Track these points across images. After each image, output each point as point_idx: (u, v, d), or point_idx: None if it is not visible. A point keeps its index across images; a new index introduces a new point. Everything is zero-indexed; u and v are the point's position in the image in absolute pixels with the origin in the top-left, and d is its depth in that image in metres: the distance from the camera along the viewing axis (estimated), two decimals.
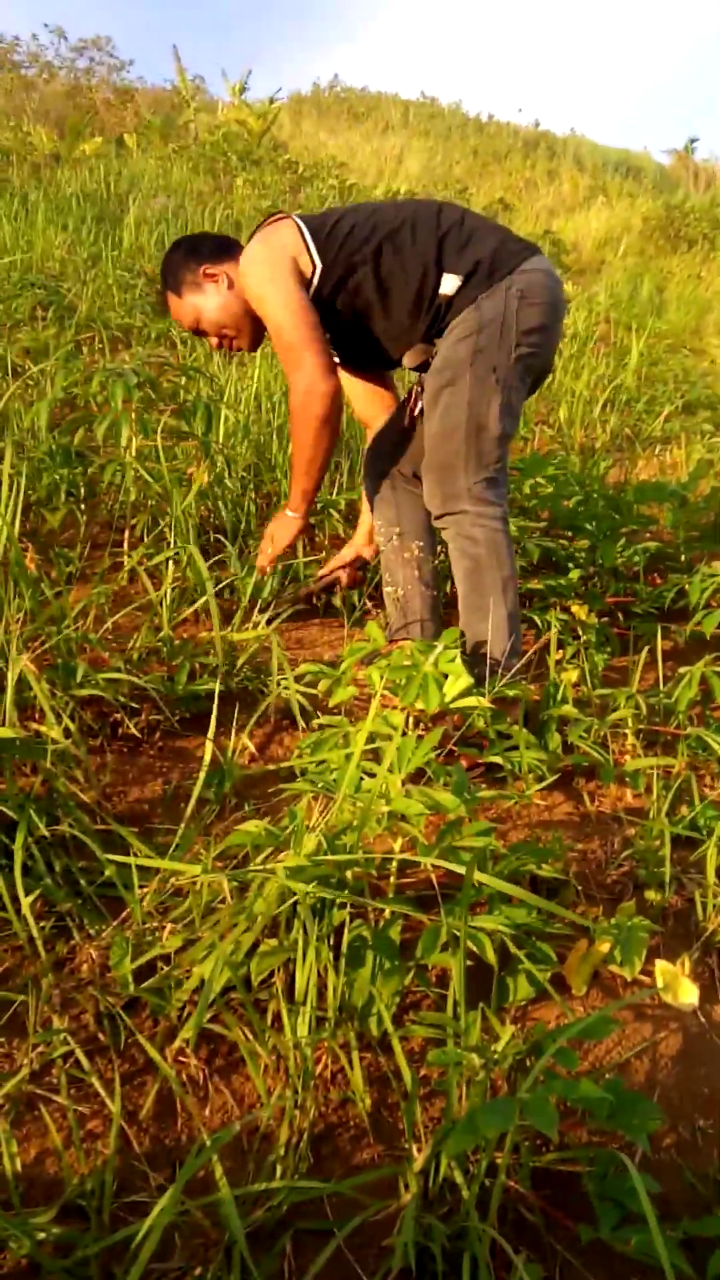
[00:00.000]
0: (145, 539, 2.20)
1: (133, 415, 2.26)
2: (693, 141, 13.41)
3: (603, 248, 8.96)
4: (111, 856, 1.23)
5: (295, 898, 1.08)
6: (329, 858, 1.08)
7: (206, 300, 1.95)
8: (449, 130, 12.79)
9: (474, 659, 1.75)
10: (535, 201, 10.29)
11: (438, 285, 1.81)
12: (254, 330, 1.97)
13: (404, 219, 1.84)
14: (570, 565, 2.21)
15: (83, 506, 2.39)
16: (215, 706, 1.52)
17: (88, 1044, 1.09)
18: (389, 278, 1.83)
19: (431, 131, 12.49)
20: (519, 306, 1.79)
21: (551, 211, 10.02)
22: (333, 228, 1.85)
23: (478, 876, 1.05)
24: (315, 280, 1.85)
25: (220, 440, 2.73)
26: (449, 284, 1.81)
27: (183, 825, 1.32)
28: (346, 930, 1.10)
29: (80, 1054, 1.05)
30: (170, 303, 2.00)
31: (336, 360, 2.02)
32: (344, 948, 1.10)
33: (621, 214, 9.80)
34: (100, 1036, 1.11)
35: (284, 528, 2.03)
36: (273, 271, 1.82)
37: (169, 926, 1.17)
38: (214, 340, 2.00)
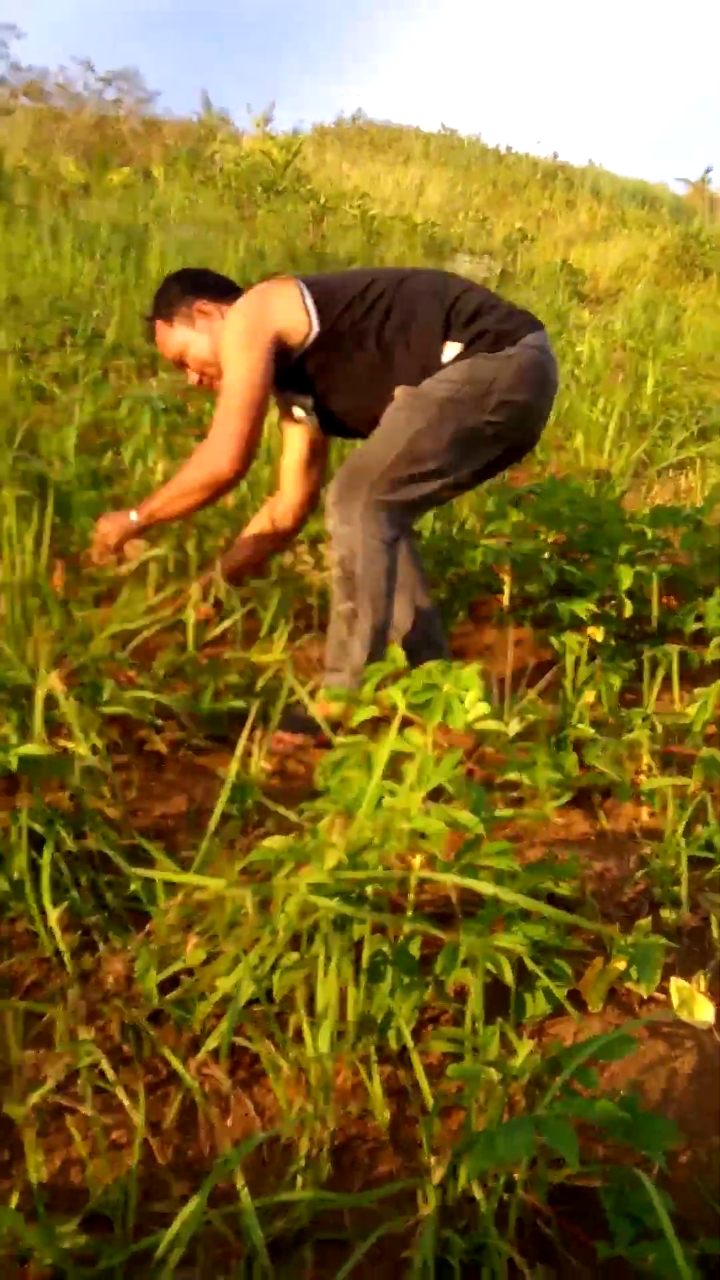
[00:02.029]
0: (169, 563, 2.24)
1: (160, 440, 2.31)
2: (708, 171, 13.55)
3: (620, 277, 9.04)
4: (137, 870, 1.25)
5: (317, 914, 1.10)
6: (351, 874, 1.10)
7: (195, 336, 1.96)
8: (469, 161, 12.98)
9: (335, 663, 1.84)
10: (553, 231, 10.40)
11: (440, 355, 1.82)
12: None
13: (411, 288, 1.87)
14: (586, 588, 2.24)
15: None
16: (249, 723, 1.54)
17: (113, 1055, 1.11)
18: (392, 345, 1.84)
19: (451, 162, 12.68)
20: (510, 378, 1.79)
21: (569, 241, 10.13)
22: (337, 291, 1.88)
23: (499, 893, 1.07)
24: (310, 341, 1.87)
25: None
26: (450, 352, 1.82)
27: (205, 841, 1.34)
28: (366, 945, 1.12)
29: (105, 1065, 1.07)
30: (158, 330, 2.00)
31: (302, 420, 2.05)
32: (364, 963, 1.11)
33: (639, 243, 9.89)
34: (125, 1048, 1.13)
35: (116, 523, 2.02)
36: (250, 339, 1.83)
37: (193, 940, 1.19)
38: (194, 375, 2.01)
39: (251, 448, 1.86)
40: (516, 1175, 0.93)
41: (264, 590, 2.21)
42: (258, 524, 2.22)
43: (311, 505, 2.21)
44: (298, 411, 2.03)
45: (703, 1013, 1.20)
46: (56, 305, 4.41)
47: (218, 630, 1.99)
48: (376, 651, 1.77)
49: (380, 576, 1.79)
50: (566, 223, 10.83)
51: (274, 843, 1.21)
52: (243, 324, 1.85)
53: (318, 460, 2.17)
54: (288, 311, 1.86)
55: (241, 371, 1.83)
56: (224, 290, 1.98)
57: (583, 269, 8.73)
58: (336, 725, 1.67)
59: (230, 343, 1.85)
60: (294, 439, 2.14)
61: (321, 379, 1.91)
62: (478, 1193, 0.93)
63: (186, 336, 1.96)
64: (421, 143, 13.51)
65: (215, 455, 1.85)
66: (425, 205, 10.24)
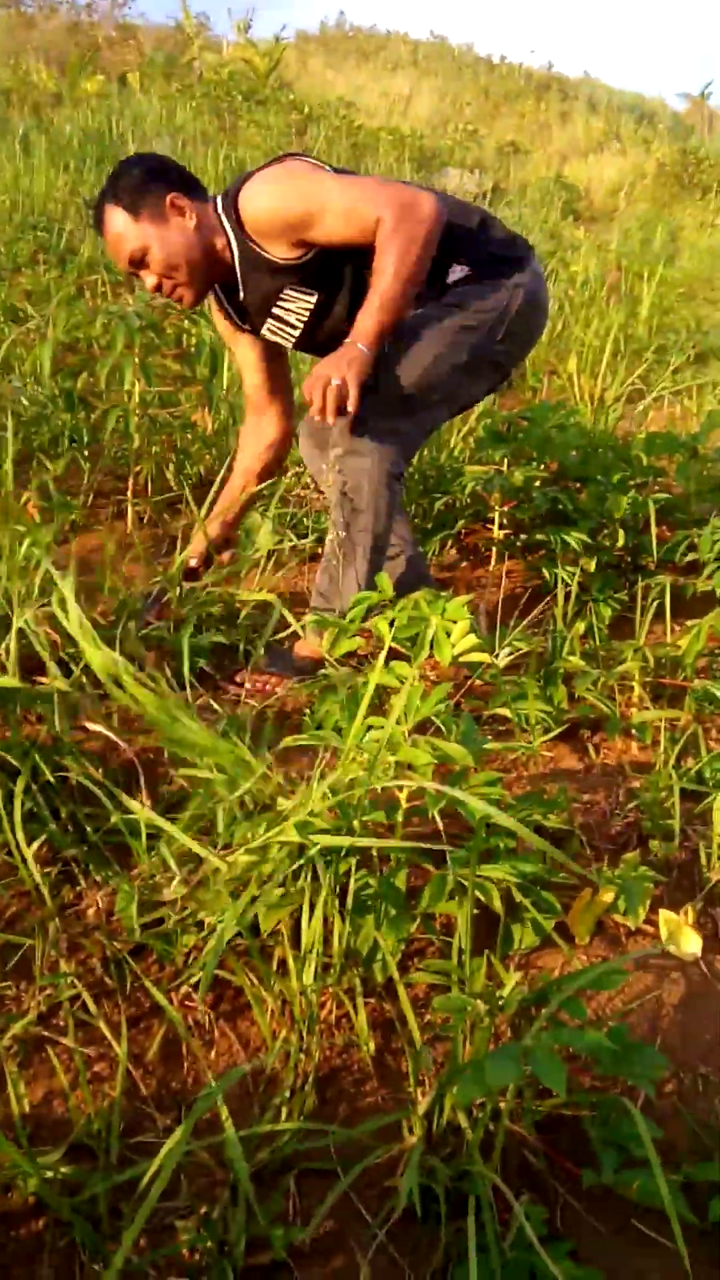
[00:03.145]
0: (149, 487, 2.17)
1: (136, 360, 2.21)
2: (708, 86, 13.04)
3: (615, 194, 8.74)
4: (126, 803, 1.22)
5: (305, 851, 1.08)
6: (337, 798, 1.08)
7: (167, 233, 1.70)
8: (459, 71, 12.41)
9: (325, 600, 1.78)
10: (547, 145, 10.02)
11: (446, 274, 1.74)
12: (204, 282, 1.77)
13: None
14: (578, 517, 2.18)
15: (85, 453, 2.36)
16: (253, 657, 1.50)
17: (94, 988, 1.10)
18: None
19: (441, 72, 12.13)
20: (518, 306, 1.76)
21: (564, 155, 9.76)
22: None
23: (493, 814, 1.04)
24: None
25: (225, 387, 2.69)
26: (457, 273, 1.74)
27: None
28: (353, 878, 1.10)
29: (87, 997, 1.06)
30: (116, 220, 1.70)
31: (287, 342, 1.88)
32: (350, 896, 1.10)
33: (635, 160, 9.55)
34: (107, 981, 1.12)
35: (352, 360, 1.60)
36: (310, 174, 1.66)
37: (177, 876, 1.17)
38: (152, 279, 1.74)
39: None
40: (502, 1105, 0.93)
41: (249, 518, 2.14)
42: (245, 461, 2.08)
43: (293, 424, 2.10)
44: (271, 326, 1.86)
45: (690, 944, 1.20)
46: (28, 220, 4.21)
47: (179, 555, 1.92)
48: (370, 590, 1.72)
49: (384, 513, 1.73)
50: (561, 136, 10.42)
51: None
52: (291, 171, 1.67)
53: (284, 374, 2.04)
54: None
55: (335, 186, 1.62)
56: (194, 185, 1.76)
57: (577, 185, 8.44)
58: (320, 664, 1.64)
59: (297, 191, 1.64)
60: (250, 358, 1.99)
61: (330, 277, 1.75)
62: (463, 1122, 0.93)
63: (156, 232, 1.69)
64: (409, 50, 12.89)
65: (400, 204, 1.58)
66: (413, 116, 9.82)
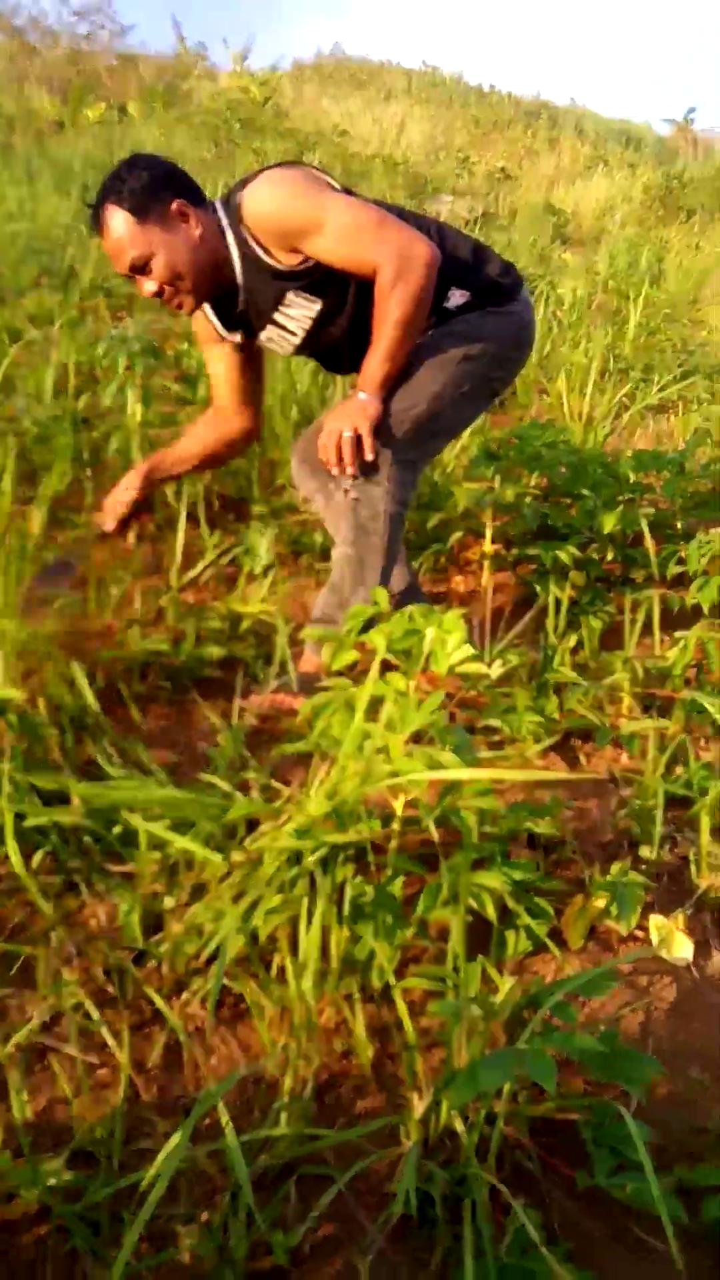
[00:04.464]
0: (151, 504, 2.19)
1: (138, 381, 2.25)
2: (692, 112, 13.26)
3: (602, 217, 8.86)
4: (127, 817, 1.24)
5: (303, 858, 1.10)
6: (333, 803, 1.10)
7: (173, 241, 1.64)
8: (450, 99, 12.59)
9: (327, 623, 1.77)
10: (536, 171, 10.16)
11: (445, 300, 1.75)
12: (206, 290, 1.73)
13: (419, 224, 1.76)
14: (568, 532, 2.22)
15: (88, 472, 2.39)
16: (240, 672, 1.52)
17: (96, 996, 1.11)
18: None
19: (433, 100, 12.30)
20: (514, 335, 1.81)
21: (552, 181, 9.89)
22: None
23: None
24: None
25: None
26: (455, 299, 1.76)
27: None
28: (349, 886, 1.12)
29: (89, 1005, 1.07)
30: (120, 223, 1.63)
31: (283, 349, 1.86)
32: (347, 904, 1.11)
33: (621, 184, 9.69)
34: (109, 989, 1.13)
35: (362, 412, 1.66)
36: (314, 184, 1.64)
37: (179, 888, 1.18)
38: (152, 285, 1.68)
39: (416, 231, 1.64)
40: (498, 1109, 0.95)
41: (248, 533, 2.17)
42: (195, 442, 2.00)
43: (259, 429, 2.05)
44: (271, 333, 1.82)
45: (681, 949, 1.22)
46: (31, 245, 4.27)
47: (196, 572, 1.95)
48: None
49: (395, 538, 1.76)
50: (549, 162, 10.57)
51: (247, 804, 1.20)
52: (297, 181, 1.64)
53: (259, 384, 1.99)
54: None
55: (340, 203, 1.61)
56: (197, 192, 1.71)
57: (565, 209, 8.55)
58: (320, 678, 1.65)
59: (301, 197, 1.61)
60: (225, 369, 1.93)
61: (335, 284, 1.71)
62: (459, 1126, 0.94)
63: (162, 239, 1.64)
64: (402, 80, 13.09)
65: (399, 254, 1.59)
66: (406, 143, 9.95)
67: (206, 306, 1.83)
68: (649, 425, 3.70)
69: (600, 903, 1.24)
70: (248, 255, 1.70)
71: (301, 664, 1.81)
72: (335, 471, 1.68)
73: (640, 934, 1.27)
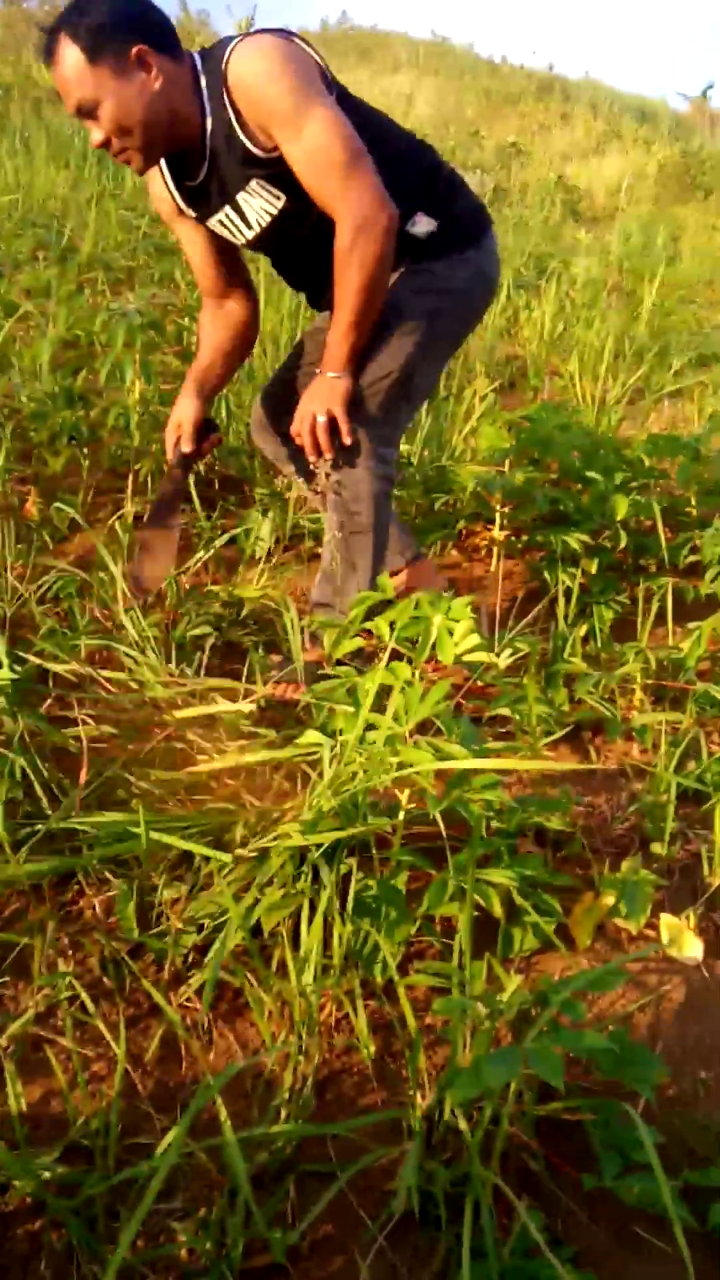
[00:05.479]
0: (149, 485, 2.16)
1: (136, 357, 2.20)
2: (709, 88, 13.04)
3: (616, 194, 8.74)
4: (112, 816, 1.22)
5: (308, 854, 1.08)
6: (339, 799, 1.07)
7: (124, 89, 1.48)
8: (460, 71, 12.40)
9: (325, 610, 1.74)
10: (549, 146, 10.01)
11: (410, 222, 1.64)
12: (159, 150, 1.58)
13: (397, 136, 1.67)
14: (579, 518, 2.18)
15: (85, 450, 2.35)
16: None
17: (92, 988, 1.10)
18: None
19: (442, 72, 12.11)
20: (481, 286, 1.74)
21: (565, 156, 9.76)
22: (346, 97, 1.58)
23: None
24: None
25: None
26: (423, 225, 1.65)
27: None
28: (353, 880, 1.09)
29: (85, 997, 1.05)
30: (70, 60, 1.47)
31: (235, 238, 1.72)
32: (350, 898, 1.09)
33: (636, 160, 9.55)
34: (105, 981, 1.12)
35: (333, 392, 1.59)
36: (309, 77, 1.49)
37: (179, 881, 1.16)
38: (99, 135, 1.53)
39: (382, 182, 1.51)
40: (502, 1109, 0.93)
41: (246, 516, 2.14)
42: (214, 341, 1.88)
43: (257, 305, 1.93)
44: (226, 217, 1.68)
45: (691, 949, 1.19)
46: (28, 217, 4.20)
47: (197, 557, 1.92)
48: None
49: (384, 515, 1.71)
50: (562, 137, 10.42)
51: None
52: (289, 61, 1.49)
53: (239, 255, 1.85)
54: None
55: (322, 113, 1.48)
56: (171, 41, 1.54)
57: (578, 186, 8.43)
58: (321, 666, 1.63)
59: (290, 86, 1.47)
60: (199, 242, 1.80)
61: (303, 192, 1.57)
62: (462, 1125, 0.92)
63: (113, 86, 1.48)
64: (410, 50, 12.88)
65: (359, 219, 1.49)
66: (415, 116, 9.80)
67: (167, 174, 1.68)
68: (664, 409, 3.65)
69: (609, 900, 1.21)
70: (222, 119, 1.54)
71: (305, 653, 1.78)
72: (312, 459, 1.63)
73: (650, 933, 1.25)
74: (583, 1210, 0.95)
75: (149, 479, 2.26)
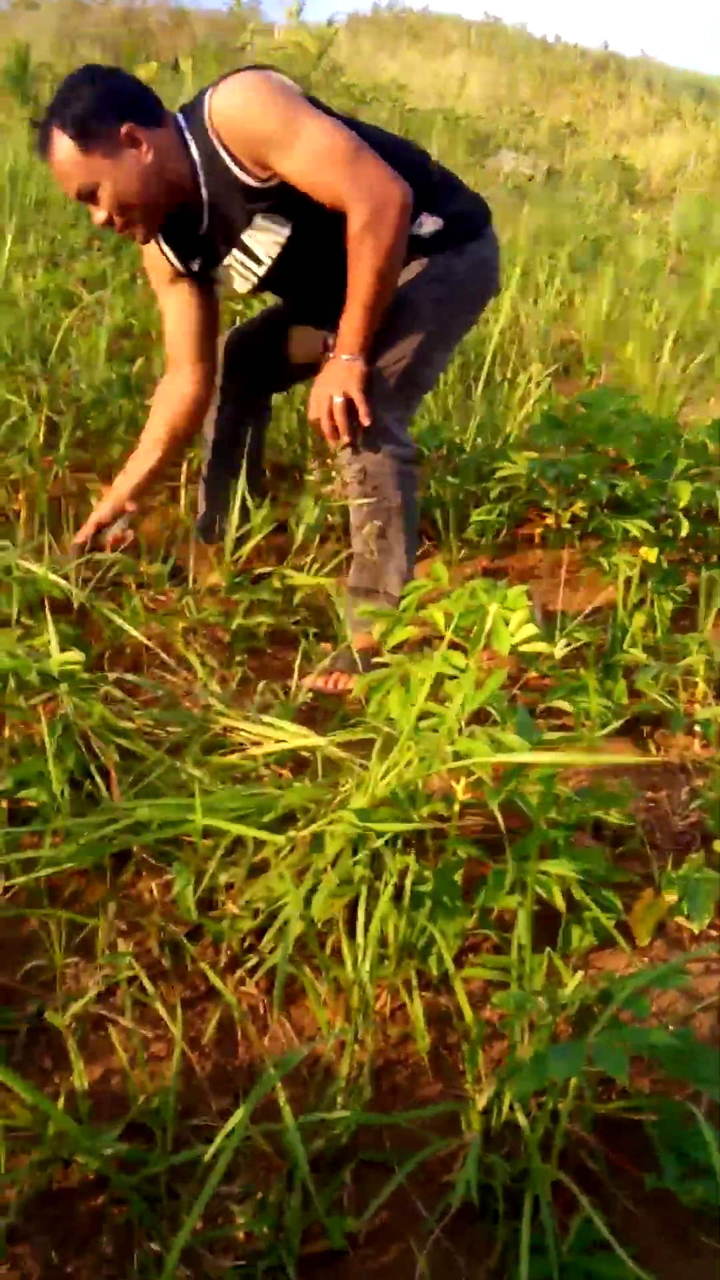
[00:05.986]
0: (203, 471, 2.16)
1: None
2: None
3: (674, 174, 8.54)
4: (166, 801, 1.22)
5: (364, 842, 1.07)
6: (394, 787, 1.07)
7: (119, 169, 1.53)
8: (513, 51, 12.21)
9: (367, 598, 1.74)
10: (604, 126, 9.82)
11: (417, 224, 1.66)
12: (159, 217, 1.63)
13: (395, 144, 1.69)
14: (639, 505, 2.14)
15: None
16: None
17: (151, 970, 1.10)
18: None
19: (494, 52, 11.94)
20: (485, 274, 1.78)
21: (621, 136, 9.56)
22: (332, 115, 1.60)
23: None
24: None
25: None
26: (429, 225, 1.68)
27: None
28: (410, 871, 1.09)
29: (144, 978, 1.06)
30: (63, 150, 1.53)
31: (248, 281, 1.75)
32: (407, 888, 1.09)
33: (695, 138, 9.32)
34: (163, 962, 1.13)
35: (349, 374, 1.60)
36: (290, 97, 1.52)
37: (235, 865, 1.16)
38: (102, 215, 1.59)
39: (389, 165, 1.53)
40: (561, 1106, 0.91)
41: (301, 501, 2.13)
42: (158, 427, 1.91)
43: (209, 396, 1.95)
44: (236, 259, 1.70)
45: None
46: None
47: (250, 543, 1.92)
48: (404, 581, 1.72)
49: (411, 497, 1.73)
50: (617, 116, 10.21)
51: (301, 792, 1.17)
52: (269, 87, 1.52)
53: (214, 330, 1.88)
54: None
55: (319, 123, 1.50)
56: (155, 114, 1.58)
57: (635, 166, 8.25)
58: (375, 654, 1.62)
59: (274, 108, 1.50)
60: (181, 309, 1.82)
61: (306, 208, 1.58)
62: (521, 1120, 0.91)
63: (108, 168, 1.53)
64: (462, 32, 12.71)
65: (375, 203, 1.49)
66: (466, 97, 9.68)
67: (162, 239, 1.73)
68: None
69: (671, 898, 1.19)
70: (215, 165, 1.58)
71: (355, 641, 1.78)
72: (330, 442, 1.64)
73: (713, 933, 1.22)
74: (641, 1210, 0.93)
75: (201, 466, 2.26)
